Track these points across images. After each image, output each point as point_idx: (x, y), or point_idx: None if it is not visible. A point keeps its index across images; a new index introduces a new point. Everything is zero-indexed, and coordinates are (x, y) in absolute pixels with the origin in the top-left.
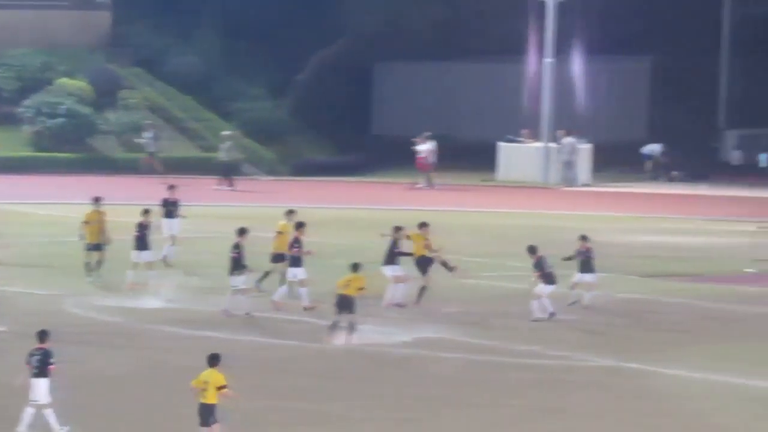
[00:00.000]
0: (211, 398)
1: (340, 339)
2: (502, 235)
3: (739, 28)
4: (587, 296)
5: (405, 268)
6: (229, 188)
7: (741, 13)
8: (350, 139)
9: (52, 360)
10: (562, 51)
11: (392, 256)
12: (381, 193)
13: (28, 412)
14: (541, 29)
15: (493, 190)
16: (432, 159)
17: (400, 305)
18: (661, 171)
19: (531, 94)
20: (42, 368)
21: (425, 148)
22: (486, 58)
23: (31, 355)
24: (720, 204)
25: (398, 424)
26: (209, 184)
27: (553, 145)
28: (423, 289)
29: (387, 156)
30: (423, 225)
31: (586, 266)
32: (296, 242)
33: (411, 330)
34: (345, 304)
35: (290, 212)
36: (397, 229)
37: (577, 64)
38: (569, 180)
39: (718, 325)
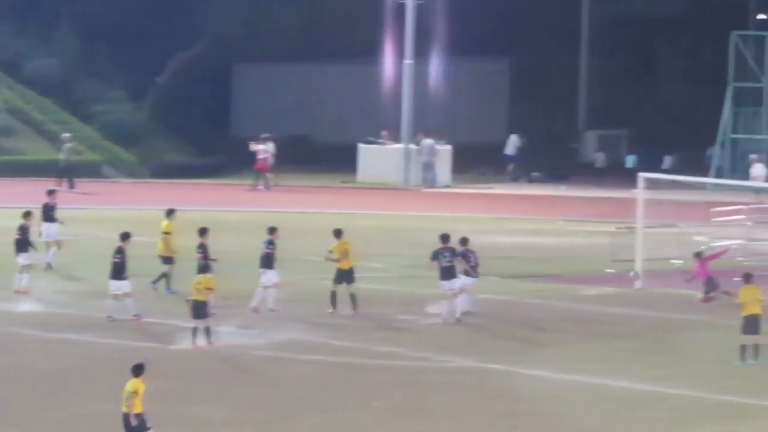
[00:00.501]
0: (137, 407)
1: (199, 343)
2: (363, 236)
3: (599, 29)
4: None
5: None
6: (69, 190)
7: (600, 14)
8: (210, 140)
9: None
10: (421, 52)
11: (269, 260)
12: (238, 195)
13: None
14: (401, 31)
15: (353, 191)
16: (271, 161)
17: (271, 309)
18: (521, 172)
19: (391, 96)
20: None
21: (264, 149)
22: (346, 60)
23: None
24: (580, 205)
25: (258, 426)
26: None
27: (413, 146)
28: (352, 297)
29: (247, 157)
30: (338, 233)
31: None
32: (201, 248)
33: (272, 332)
34: (198, 309)
35: (171, 212)
36: (272, 230)
37: (436, 66)
38: (429, 181)
39: (579, 325)
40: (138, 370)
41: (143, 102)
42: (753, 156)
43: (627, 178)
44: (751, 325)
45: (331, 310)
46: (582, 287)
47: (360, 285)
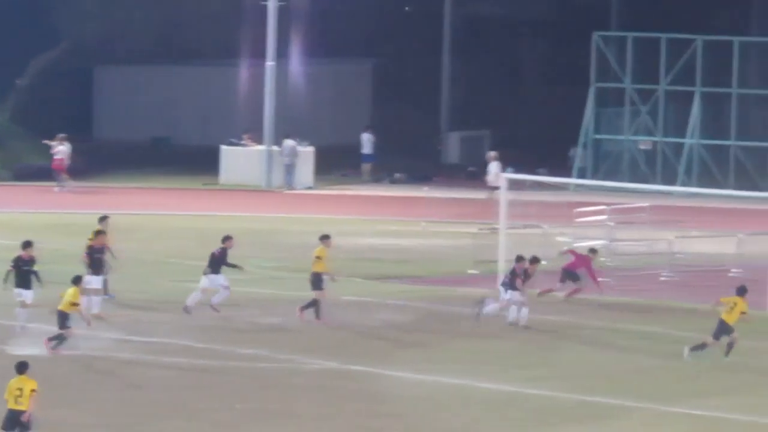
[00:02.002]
0: (26, 404)
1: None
2: None
3: (461, 30)
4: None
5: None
6: None
7: (462, 15)
8: (72, 143)
9: None
10: (284, 54)
11: (219, 265)
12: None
13: None
14: (263, 32)
15: (215, 193)
16: (67, 162)
17: (215, 309)
18: (381, 172)
19: (253, 98)
20: None
21: (60, 149)
22: (209, 62)
23: None
24: (443, 206)
25: (120, 429)
26: None
27: (275, 148)
28: (315, 303)
29: (109, 160)
30: (325, 237)
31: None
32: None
33: (135, 335)
34: (61, 318)
35: (103, 218)
36: (227, 238)
37: (298, 67)
38: (290, 183)
39: (442, 326)
40: (22, 367)
41: (3, 104)
42: (490, 153)
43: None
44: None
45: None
46: (445, 288)
47: None
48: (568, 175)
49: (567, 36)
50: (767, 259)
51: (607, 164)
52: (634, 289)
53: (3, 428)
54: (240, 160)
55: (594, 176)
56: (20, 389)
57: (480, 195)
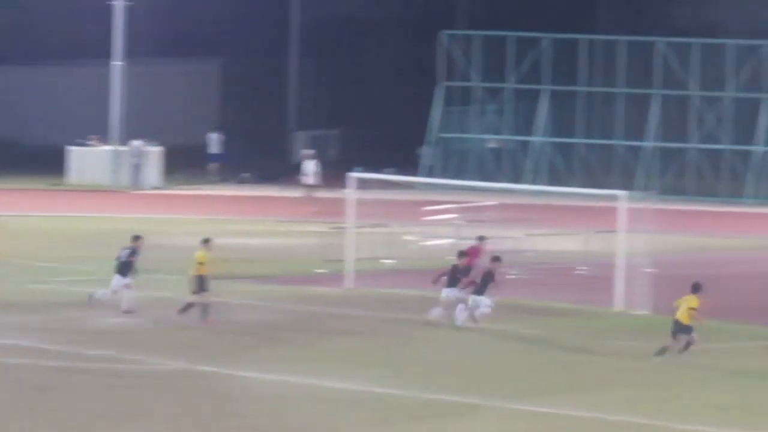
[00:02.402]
0: None
1: None
2: (72, 239)
3: (309, 30)
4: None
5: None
6: None
7: (310, 14)
8: None
9: None
10: (132, 54)
11: (128, 267)
12: None
13: None
14: (110, 32)
15: (62, 194)
16: None
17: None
18: (228, 172)
19: (101, 97)
20: None
21: None
22: (56, 62)
23: None
24: (291, 205)
25: None
26: None
27: (122, 148)
28: (194, 305)
29: None
30: (206, 241)
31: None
32: None
33: None
34: None
35: None
36: (136, 238)
37: (146, 67)
38: (138, 183)
39: (291, 326)
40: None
41: None
42: (304, 152)
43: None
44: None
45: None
46: (294, 288)
47: (70, 288)
48: (417, 173)
49: (414, 35)
50: (613, 257)
51: (455, 163)
52: None
53: None
54: (87, 161)
55: (442, 175)
56: None
57: (327, 194)
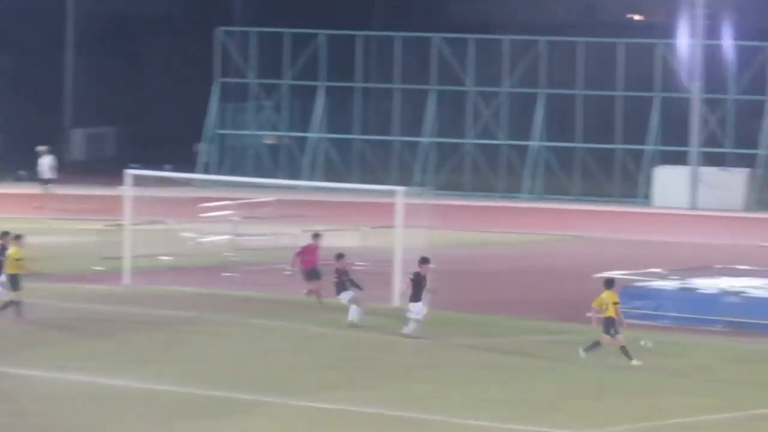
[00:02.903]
0: None
1: None
2: None
3: (85, 27)
4: None
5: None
6: None
7: (86, 11)
8: None
9: None
10: None
11: None
12: None
13: None
14: None
15: None
16: None
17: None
18: (5, 170)
19: None
20: None
21: None
22: None
23: None
24: (68, 202)
25: None
26: None
27: None
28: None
29: None
30: (17, 237)
31: None
32: None
33: None
34: None
35: None
36: (4, 234)
37: None
38: None
39: (69, 323)
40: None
41: None
42: (40, 147)
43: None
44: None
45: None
46: (71, 285)
47: None
48: (194, 170)
49: (191, 31)
50: (391, 253)
51: (232, 159)
52: (260, 284)
53: None
54: None
55: (219, 171)
56: None
57: (104, 192)
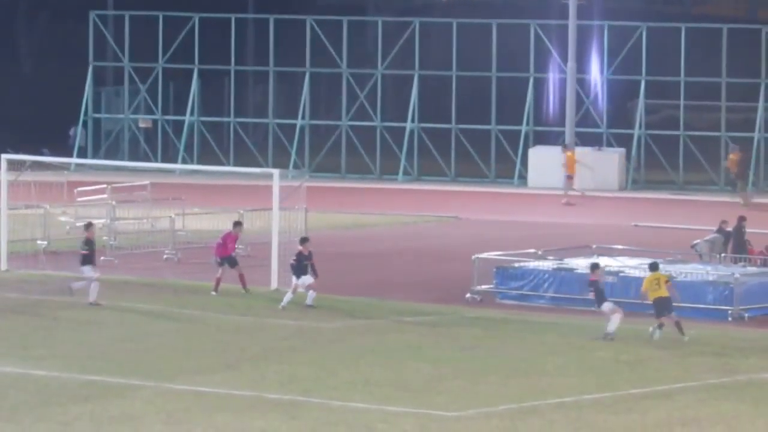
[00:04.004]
0: None
1: None
2: None
3: None
4: None
5: None
6: None
7: None
8: None
9: None
10: None
11: None
12: None
13: None
14: None
15: None
16: None
17: None
18: None
19: None
20: None
21: None
22: None
23: None
24: None
25: None
26: None
27: None
28: None
29: None
30: None
31: None
32: None
33: None
34: None
35: None
36: None
37: None
38: None
39: None
40: None
41: None
42: None
43: None
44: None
45: None
46: None
47: None
48: (70, 154)
49: (64, 14)
50: (267, 235)
51: (107, 143)
52: (138, 268)
53: None
54: None
55: (95, 155)
56: None
57: None
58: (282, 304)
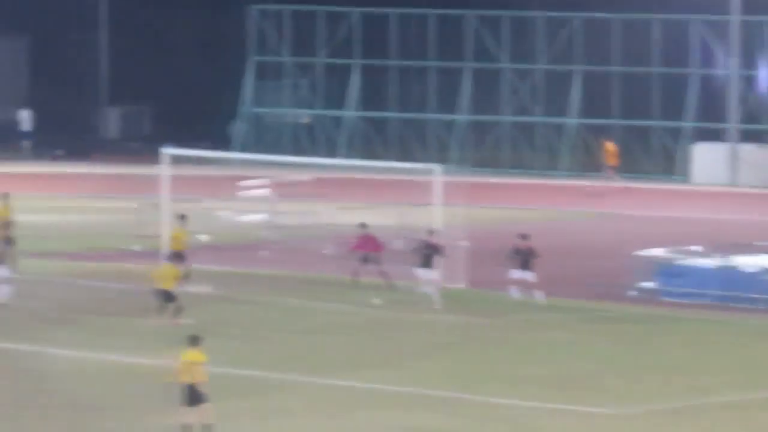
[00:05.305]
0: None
1: None
2: None
3: (116, 6)
4: None
5: None
6: None
7: None
8: None
9: None
10: None
11: None
12: None
13: None
14: None
15: None
16: None
17: None
18: (42, 149)
19: None
20: None
21: None
22: None
23: None
24: (103, 181)
25: None
26: None
27: None
28: None
29: None
30: None
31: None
32: None
33: None
34: None
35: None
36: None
37: None
38: None
39: (105, 303)
40: (196, 340)
41: None
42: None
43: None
44: None
45: None
46: (107, 264)
47: None
48: (230, 149)
49: (225, 9)
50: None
51: (268, 138)
52: (297, 262)
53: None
54: None
55: (255, 150)
56: (192, 363)
57: (139, 170)
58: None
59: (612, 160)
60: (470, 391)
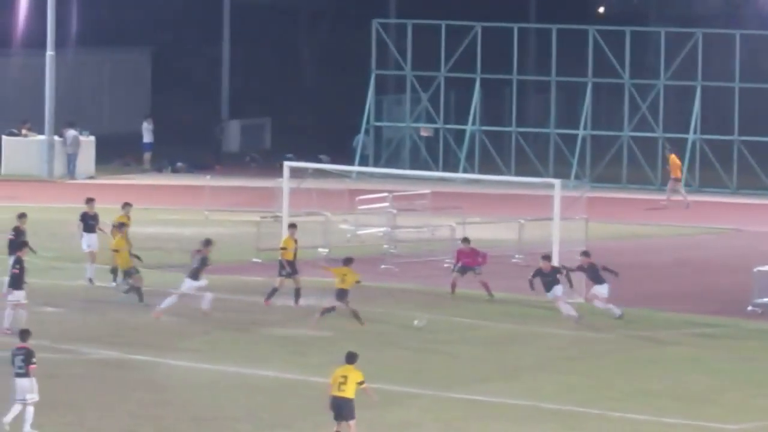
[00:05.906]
0: (349, 392)
1: None
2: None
3: (240, 18)
4: None
5: None
6: None
7: (240, 2)
8: None
9: (34, 359)
10: (62, 43)
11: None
12: None
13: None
14: (39, 21)
15: None
16: None
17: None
18: (163, 161)
19: (32, 87)
20: (25, 367)
21: None
22: None
23: (14, 355)
24: (225, 194)
25: None
26: None
27: (57, 138)
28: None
29: None
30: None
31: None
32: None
33: None
34: None
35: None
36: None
37: (77, 56)
38: (72, 173)
39: (226, 315)
40: (353, 357)
41: None
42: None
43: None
44: None
45: None
46: (229, 277)
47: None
48: (350, 162)
49: (346, 23)
50: (547, 245)
51: (388, 151)
52: (417, 276)
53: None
54: (21, 151)
55: (376, 163)
56: (344, 377)
57: (261, 183)
58: (569, 314)
59: (676, 173)
60: (587, 405)
